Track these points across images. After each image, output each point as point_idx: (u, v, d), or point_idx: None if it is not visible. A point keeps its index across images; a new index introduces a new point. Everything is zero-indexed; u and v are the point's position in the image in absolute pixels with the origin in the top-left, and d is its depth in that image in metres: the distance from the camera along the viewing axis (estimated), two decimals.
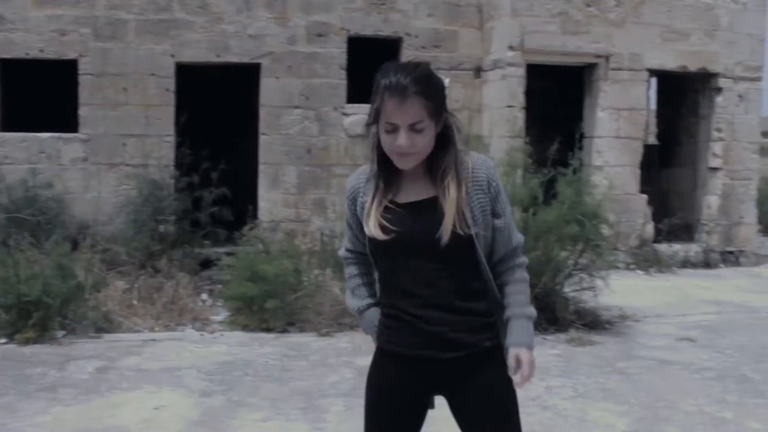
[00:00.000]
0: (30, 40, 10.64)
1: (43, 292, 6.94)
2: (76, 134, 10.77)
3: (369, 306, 2.70)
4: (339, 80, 11.39)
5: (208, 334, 7.36)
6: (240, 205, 10.16)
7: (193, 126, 10.62)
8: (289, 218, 11.22)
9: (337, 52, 11.36)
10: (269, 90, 11.22)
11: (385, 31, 11.52)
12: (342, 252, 2.78)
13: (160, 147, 10.87)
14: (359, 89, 11.74)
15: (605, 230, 7.97)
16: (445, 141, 2.45)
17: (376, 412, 2.62)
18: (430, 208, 2.42)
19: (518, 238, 2.56)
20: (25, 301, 6.92)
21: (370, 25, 11.45)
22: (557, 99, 13.43)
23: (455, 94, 11.24)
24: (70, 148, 10.75)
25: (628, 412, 5.21)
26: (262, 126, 11.25)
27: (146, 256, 9.69)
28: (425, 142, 2.38)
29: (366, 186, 2.54)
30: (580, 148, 7.67)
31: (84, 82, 10.75)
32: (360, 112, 11.30)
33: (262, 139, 11.27)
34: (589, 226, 7.20)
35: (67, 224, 10.07)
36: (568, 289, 7.60)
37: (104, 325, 7.37)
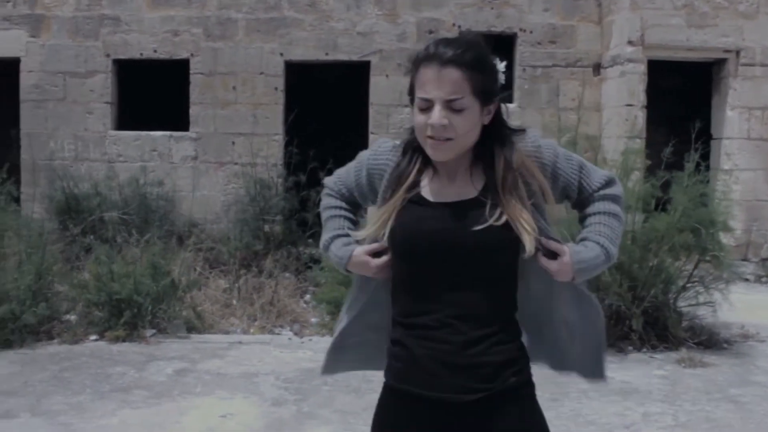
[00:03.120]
0: (144, 41, 10.82)
1: (134, 291, 6.93)
2: (186, 133, 10.88)
3: (340, 236, 2.22)
4: None
5: (297, 339, 7.16)
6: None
7: (302, 125, 10.52)
8: None
9: None
10: (378, 88, 10.99)
11: (499, 27, 11.07)
12: (328, 181, 2.32)
13: (269, 146, 10.82)
14: None
15: (726, 239, 7.29)
16: (495, 136, 2.07)
17: None
18: (470, 210, 2.02)
19: (604, 173, 2.18)
20: (117, 299, 6.93)
21: (483, 21, 11.03)
22: (689, 99, 12.58)
23: (572, 92, 10.70)
24: (180, 146, 10.86)
25: None
26: (372, 125, 11.03)
27: (251, 255, 9.62)
28: (465, 125, 1.96)
29: (388, 161, 2.15)
30: (696, 149, 7.00)
31: (195, 81, 10.85)
32: None
33: (372, 138, 11.03)
34: (706, 235, 6.56)
35: (176, 222, 10.14)
36: (682, 304, 6.97)
37: (197, 325, 7.31)
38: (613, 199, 2.14)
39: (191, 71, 10.84)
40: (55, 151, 10.86)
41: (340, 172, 2.31)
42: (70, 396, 5.41)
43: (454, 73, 1.93)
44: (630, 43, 10.18)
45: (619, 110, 10.32)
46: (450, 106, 1.94)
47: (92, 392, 5.51)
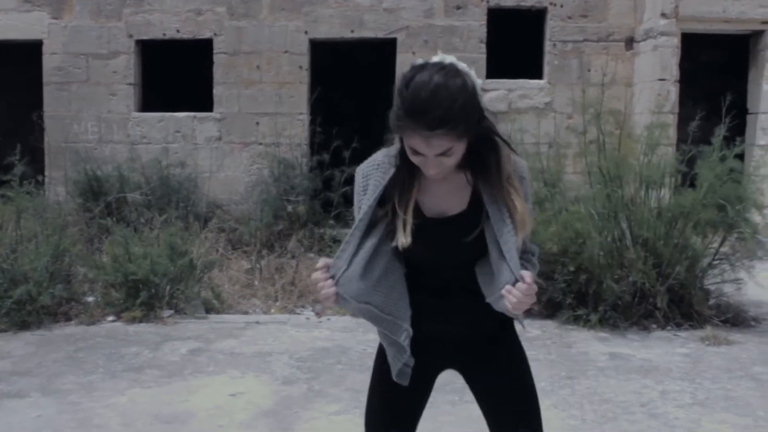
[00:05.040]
0: (167, 21, 10.76)
1: (150, 271, 6.90)
2: (210, 113, 10.82)
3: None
4: (479, 54, 10.80)
5: (315, 318, 7.07)
6: None
7: (329, 104, 10.40)
8: None
9: (476, 24, 10.80)
10: (405, 66, 10.75)
11: (529, 2, 10.83)
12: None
13: (293, 125, 10.73)
14: (500, 63, 11.15)
15: (756, 216, 7.04)
16: (486, 141, 2.26)
17: (382, 386, 2.52)
18: (460, 224, 2.32)
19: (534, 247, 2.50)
20: (133, 280, 6.90)
21: None
22: (729, 74, 12.23)
23: (603, 67, 10.43)
24: (204, 127, 10.81)
25: (749, 427, 4.43)
26: None
27: (275, 236, 9.56)
28: (455, 160, 2.19)
29: (384, 175, 2.32)
30: (725, 123, 6.75)
31: (218, 61, 10.77)
32: (501, 88, 10.72)
33: None
34: (732, 212, 6.33)
35: (199, 204, 10.10)
36: (708, 282, 6.76)
37: (216, 306, 7.26)
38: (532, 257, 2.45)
39: (215, 51, 10.76)
40: (79, 134, 10.87)
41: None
42: (82, 376, 5.38)
43: (441, 138, 2.08)
44: (663, 15, 9.88)
45: (652, 85, 10.04)
46: (441, 155, 2.13)
47: (104, 372, 5.47)
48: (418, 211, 2.29)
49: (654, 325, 6.43)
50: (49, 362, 5.70)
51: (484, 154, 2.25)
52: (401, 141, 2.22)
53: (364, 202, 2.31)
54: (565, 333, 6.36)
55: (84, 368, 5.56)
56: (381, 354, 2.49)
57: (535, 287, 2.19)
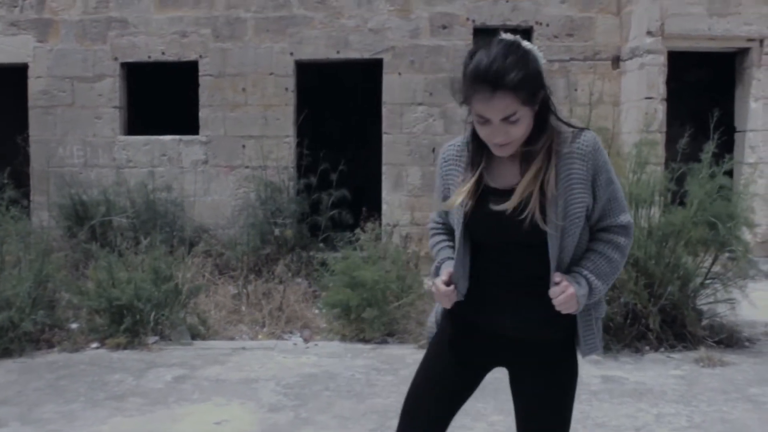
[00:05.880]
0: (152, 43, 10.68)
1: (135, 297, 6.78)
2: (196, 136, 10.72)
3: (448, 258, 2.55)
4: None
5: (303, 344, 6.95)
6: (365, 208, 9.73)
7: (315, 125, 10.32)
8: (415, 221, 10.71)
9: (462, 44, 10.75)
10: (391, 86, 10.77)
11: (514, 21, 10.81)
12: (430, 224, 2.70)
13: (279, 148, 10.64)
14: None
15: (750, 235, 6.98)
16: (542, 120, 2.31)
17: (430, 364, 2.59)
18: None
19: (625, 217, 2.41)
20: (117, 306, 6.78)
21: (498, 15, 10.78)
22: (716, 93, 12.23)
23: (590, 86, 10.40)
24: (190, 150, 10.71)
25: None
26: (385, 125, 10.79)
27: (262, 260, 9.44)
28: (522, 130, 2.25)
29: (458, 160, 2.45)
30: (714, 139, 6.70)
31: (204, 83, 10.69)
32: None
33: (385, 139, 10.80)
34: (723, 230, 6.26)
35: (186, 228, 9.98)
36: (701, 301, 6.68)
37: (201, 332, 7.14)
38: (616, 244, 2.39)
39: (200, 73, 10.68)
40: (64, 158, 10.75)
41: (434, 201, 2.66)
42: (63, 404, 5.25)
43: (505, 98, 2.16)
44: (649, 33, 9.87)
45: (639, 104, 10.01)
46: (506, 120, 2.20)
47: (86, 400, 5.34)
48: (479, 183, 2.39)
49: (647, 347, 6.34)
50: (30, 390, 5.57)
51: (537, 130, 2.31)
52: (470, 123, 2.33)
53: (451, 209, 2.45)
54: None
55: (65, 396, 5.42)
56: (438, 333, 2.62)
57: (569, 290, 2.27)
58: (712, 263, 6.56)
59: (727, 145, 7.43)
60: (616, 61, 10.88)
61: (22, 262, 7.13)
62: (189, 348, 6.74)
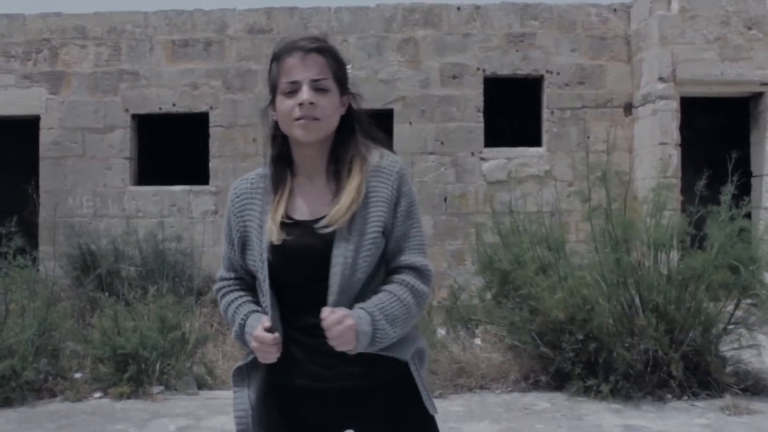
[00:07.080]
0: (163, 95, 10.72)
1: (140, 345, 6.62)
2: (206, 186, 10.68)
3: (253, 311, 2.22)
4: (476, 123, 10.73)
5: None
6: None
7: None
8: None
9: (473, 93, 10.74)
10: (402, 136, 10.72)
11: (525, 70, 10.79)
12: (217, 285, 2.38)
13: None
14: (498, 133, 11.05)
15: None
16: (348, 129, 2.24)
17: None
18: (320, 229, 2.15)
19: (424, 261, 2.22)
20: (122, 354, 6.62)
21: (508, 64, 10.77)
22: (730, 139, 12.12)
23: (603, 134, 10.32)
24: (200, 200, 10.65)
25: None
26: None
27: None
28: (329, 107, 2.16)
29: (253, 192, 2.28)
30: (733, 182, 6.56)
31: (214, 134, 10.69)
32: (500, 157, 10.60)
33: None
34: (746, 273, 6.08)
35: (195, 278, 9.86)
36: (725, 347, 6.46)
37: (208, 381, 6.96)
38: (408, 284, 2.16)
39: (211, 124, 10.69)
40: (74, 208, 10.71)
41: (224, 253, 2.37)
42: None
43: (318, 59, 2.16)
44: (661, 79, 9.81)
45: (653, 149, 9.91)
46: (316, 86, 2.13)
47: None
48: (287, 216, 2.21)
49: (669, 395, 6.11)
50: None
51: (343, 138, 2.23)
52: (272, 140, 2.31)
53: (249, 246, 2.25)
54: (575, 405, 6.04)
55: None
56: (257, 422, 2.22)
57: (347, 320, 2.01)
58: (735, 308, 6.35)
59: (743, 190, 7.30)
60: (628, 107, 10.82)
61: (27, 311, 7.00)
62: (194, 398, 6.55)
